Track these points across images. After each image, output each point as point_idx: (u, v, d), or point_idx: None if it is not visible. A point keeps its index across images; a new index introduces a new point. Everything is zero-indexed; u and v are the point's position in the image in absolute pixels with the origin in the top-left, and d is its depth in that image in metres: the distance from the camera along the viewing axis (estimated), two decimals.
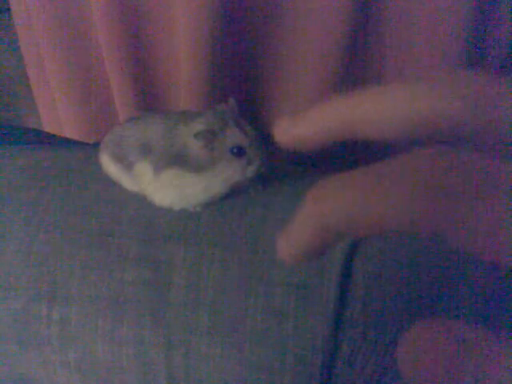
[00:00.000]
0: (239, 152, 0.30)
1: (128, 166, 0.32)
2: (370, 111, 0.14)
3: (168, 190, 0.31)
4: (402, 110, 0.14)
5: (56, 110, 0.46)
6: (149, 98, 0.43)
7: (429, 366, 0.10)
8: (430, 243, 0.28)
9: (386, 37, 0.38)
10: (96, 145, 0.35)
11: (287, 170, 0.36)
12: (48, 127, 0.48)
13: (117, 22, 0.39)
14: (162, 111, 0.39)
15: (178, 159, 0.30)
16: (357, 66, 0.39)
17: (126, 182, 0.33)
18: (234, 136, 0.30)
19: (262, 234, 0.30)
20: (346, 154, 0.42)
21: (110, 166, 0.33)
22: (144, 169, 0.31)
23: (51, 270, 0.31)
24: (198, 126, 0.30)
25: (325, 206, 0.12)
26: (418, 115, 0.13)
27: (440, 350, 0.10)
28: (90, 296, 0.30)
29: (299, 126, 0.16)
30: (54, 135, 0.48)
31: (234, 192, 0.32)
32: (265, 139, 0.31)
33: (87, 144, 0.45)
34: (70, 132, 0.46)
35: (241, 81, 0.41)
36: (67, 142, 0.46)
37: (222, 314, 0.29)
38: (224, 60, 0.39)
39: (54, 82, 0.44)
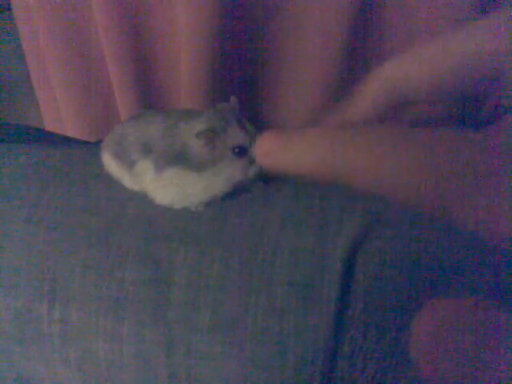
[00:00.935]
0: (241, 151, 0.30)
1: (129, 165, 0.32)
2: (410, 68, 0.14)
3: (169, 188, 0.31)
4: (444, 56, 0.14)
5: (57, 109, 0.46)
6: (149, 98, 0.43)
7: (446, 343, 0.10)
8: (430, 243, 0.28)
9: (386, 36, 0.38)
10: (97, 143, 0.35)
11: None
12: (49, 125, 0.48)
13: (117, 22, 0.39)
14: (162, 109, 0.39)
15: (179, 158, 0.30)
16: (357, 65, 0.39)
17: (127, 180, 0.33)
18: (236, 135, 0.30)
19: (263, 234, 0.30)
20: None
21: (111, 164, 0.33)
22: (145, 167, 0.31)
23: (52, 269, 0.31)
24: (199, 124, 0.29)
25: (339, 151, 0.12)
26: (458, 56, 0.13)
27: (450, 333, 0.10)
28: (90, 295, 0.30)
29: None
30: (55, 134, 0.48)
31: (236, 191, 0.31)
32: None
33: (89, 143, 0.45)
34: (71, 130, 0.46)
35: (242, 80, 0.41)
36: (68, 141, 0.46)
37: (222, 312, 0.29)
38: (225, 59, 0.39)
39: (55, 80, 0.44)
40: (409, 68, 0.14)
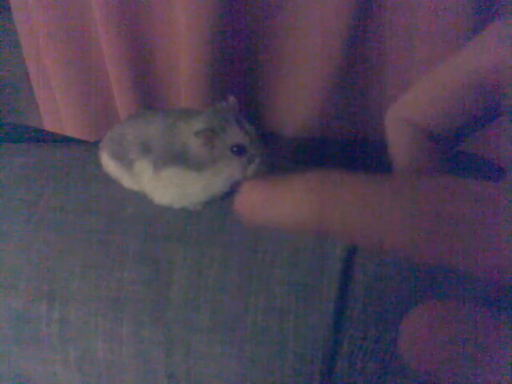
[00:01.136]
0: (240, 151, 0.30)
1: (128, 165, 0.32)
2: (421, 99, 0.14)
3: (168, 188, 0.31)
4: (459, 76, 0.13)
5: (57, 109, 0.46)
6: (149, 97, 0.43)
7: (429, 347, 0.10)
8: None
9: (386, 36, 0.38)
10: (97, 143, 0.35)
11: (287, 169, 0.36)
12: (49, 125, 0.48)
13: (117, 22, 0.39)
14: (161, 109, 0.39)
15: (178, 157, 0.30)
16: (357, 65, 0.39)
17: (126, 180, 0.33)
18: (235, 134, 0.30)
19: (262, 233, 0.30)
20: (346, 153, 0.42)
21: (109, 164, 0.33)
22: (144, 167, 0.31)
23: (51, 269, 0.31)
24: (198, 124, 0.29)
25: (328, 207, 0.11)
26: (474, 73, 0.13)
27: (441, 331, 0.10)
28: (89, 295, 0.30)
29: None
30: (54, 133, 0.48)
31: (235, 190, 0.31)
32: (265, 138, 0.31)
33: (88, 142, 0.45)
34: (70, 130, 0.46)
35: (241, 79, 0.41)
36: (68, 141, 0.46)
37: (222, 312, 0.29)
38: (224, 59, 0.39)
39: (54, 80, 0.44)
40: (419, 100, 0.14)
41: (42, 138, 0.48)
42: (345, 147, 0.42)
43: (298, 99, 0.40)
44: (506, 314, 0.10)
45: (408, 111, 0.15)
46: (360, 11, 0.37)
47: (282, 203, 0.12)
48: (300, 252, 0.29)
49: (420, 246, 0.11)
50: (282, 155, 0.40)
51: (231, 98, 0.31)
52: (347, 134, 0.41)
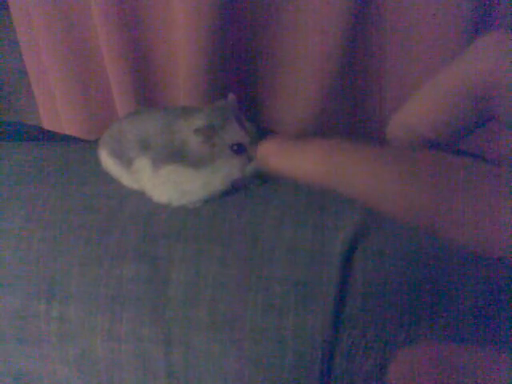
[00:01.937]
0: (239, 149, 0.30)
1: (127, 162, 0.32)
2: (420, 111, 0.15)
3: (167, 186, 0.31)
4: (452, 89, 0.14)
5: (55, 107, 0.46)
6: (148, 95, 0.43)
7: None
8: (429, 241, 0.28)
9: (385, 35, 0.38)
10: (95, 141, 0.35)
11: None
12: (47, 124, 0.48)
13: (116, 19, 0.39)
14: (161, 106, 0.39)
15: (177, 155, 0.30)
16: (357, 63, 0.39)
17: (125, 178, 0.33)
18: (234, 133, 0.30)
19: (261, 231, 0.30)
20: None
21: (108, 162, 0.33)
22: (143, 165, 0.31)
23: (50, 267, 0.31)
24: (198, 121, 0.29)
25: (338, 165, 0.13)
26: (469, 83, 0.14)
27: (427, 374, 0.11)
28: (88, 293, 0.30)
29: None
30: (53, 132, 0.48)
31: (234, 188, 0.31)
32: (264, 136, 0.31)
33: (87, 141, 0.45)
34: (69, 129, 0.46)
35: (241, 77, 0.41)
36: (67, 139, 0.46)
37: (221, 310, 0.29)
38: (224, 56, 0.39)
39: (53, 79, 0.44)
40: (420, 109, 0.15)
41: (40, 136, 0.48)
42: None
43: (298, 97, 0.40)
44: (505, 354, 0.10)
45: (410, 120, 0.15)
46: (359, 11, 0.37)
47: (299, 157, 0.14)
48: (299, 250, 0.29)
49: (418, 211, 0.12)
50: None
51: (231, 96, 0.31)
52: (347, 132, 0.41)
